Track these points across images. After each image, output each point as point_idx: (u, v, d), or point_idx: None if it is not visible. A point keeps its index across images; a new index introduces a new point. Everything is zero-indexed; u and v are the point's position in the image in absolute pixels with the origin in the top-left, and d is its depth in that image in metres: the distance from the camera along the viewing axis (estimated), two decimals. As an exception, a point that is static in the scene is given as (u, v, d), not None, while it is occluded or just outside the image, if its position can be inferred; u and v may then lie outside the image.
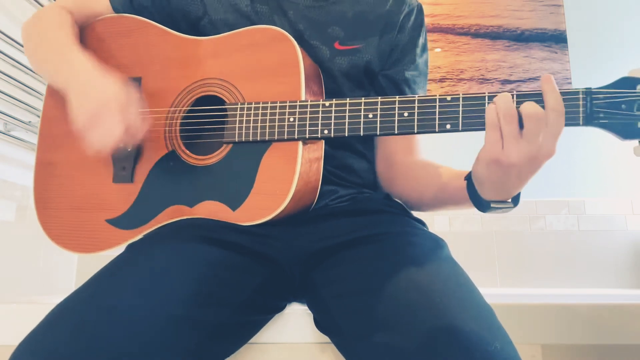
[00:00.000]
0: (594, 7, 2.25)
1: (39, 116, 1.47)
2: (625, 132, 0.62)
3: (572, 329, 0.88)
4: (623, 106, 0.61)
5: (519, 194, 0.69)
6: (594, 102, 0.62)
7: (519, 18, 2.26)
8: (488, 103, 0.65)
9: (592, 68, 2.19)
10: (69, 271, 1.80)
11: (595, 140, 2.06)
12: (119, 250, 0.78)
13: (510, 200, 0.69)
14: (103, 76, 0.76)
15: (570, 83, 2.18)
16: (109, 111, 0.72)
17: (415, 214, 0.87)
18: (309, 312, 0.78)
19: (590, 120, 0.63)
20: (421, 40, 0.92)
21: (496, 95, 0.63)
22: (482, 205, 0.71)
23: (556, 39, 2.23)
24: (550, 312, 0.88)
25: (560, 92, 0.62)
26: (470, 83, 2.22)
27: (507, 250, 2.05)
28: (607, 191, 2.08)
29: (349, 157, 0.87)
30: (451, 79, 2.23)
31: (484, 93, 0.66)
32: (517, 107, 0.62)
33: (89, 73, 0.77)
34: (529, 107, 0.61)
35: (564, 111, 0.61)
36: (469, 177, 0.72)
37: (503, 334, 0.57)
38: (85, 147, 0.75)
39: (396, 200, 0.88)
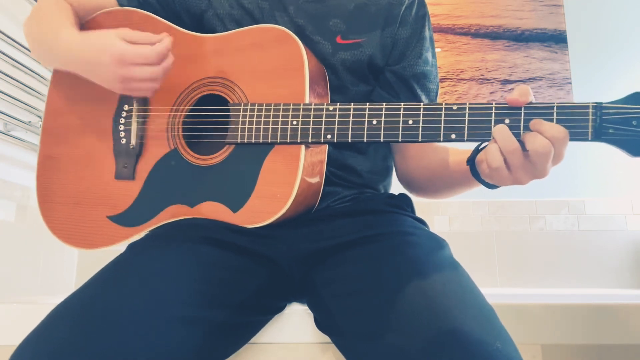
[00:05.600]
0: (594, 7, 2.25)
1: (39, 116, 1.47)
2: (636, 149, 0.60)
3: (572, 329, 0.87)
4: (634, 122, 0.60)
5: None
6: (604, 117, 0.61)
7: (519, 18, 2.26)
8: (495, 114, 0.64)
9: (592, 68, 2.18)
10: (69, 271, 1.80)
11: (595, 140, 2.06)
12: (119, 247, 0.78)
13: None
14: (101, 33, 0.75)
15: (570, 83, 2.17)
16: (126, 49, 0.71)
17: (417, 213, 0.87)
18: (309, 312, 0.78)
19: (599, 135, 0.61)
20: (426, 33, 0.90)
21: (503, 106, 0.64)
22: (490, 185, 0.71)
23: (556, 39, 2.23)
24: (550, 312, 0.88)
25: (570, 106, 0.62)
26: (470, 83, 2.22)
27: (507, 250, 2.05)
28: (607, 191, 2.08)
29: (351, 157, 0.86)
30: (451, 79, 2.23)
31: (491, 104, 0.65)
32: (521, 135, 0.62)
33: (86, 38, 0.76)
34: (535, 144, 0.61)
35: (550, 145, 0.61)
36: (471, 162, 0.71)
37: (504, 335, 0.57)
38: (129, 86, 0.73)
39: (402, 199, 0.87)
